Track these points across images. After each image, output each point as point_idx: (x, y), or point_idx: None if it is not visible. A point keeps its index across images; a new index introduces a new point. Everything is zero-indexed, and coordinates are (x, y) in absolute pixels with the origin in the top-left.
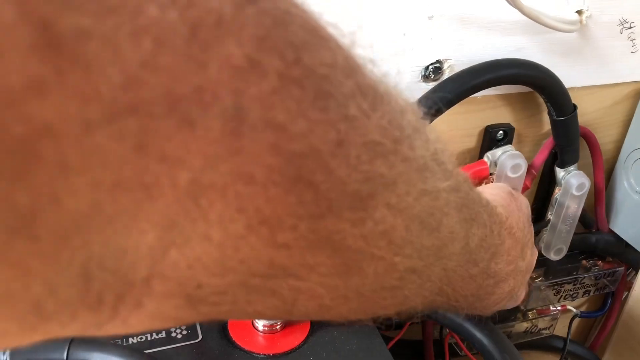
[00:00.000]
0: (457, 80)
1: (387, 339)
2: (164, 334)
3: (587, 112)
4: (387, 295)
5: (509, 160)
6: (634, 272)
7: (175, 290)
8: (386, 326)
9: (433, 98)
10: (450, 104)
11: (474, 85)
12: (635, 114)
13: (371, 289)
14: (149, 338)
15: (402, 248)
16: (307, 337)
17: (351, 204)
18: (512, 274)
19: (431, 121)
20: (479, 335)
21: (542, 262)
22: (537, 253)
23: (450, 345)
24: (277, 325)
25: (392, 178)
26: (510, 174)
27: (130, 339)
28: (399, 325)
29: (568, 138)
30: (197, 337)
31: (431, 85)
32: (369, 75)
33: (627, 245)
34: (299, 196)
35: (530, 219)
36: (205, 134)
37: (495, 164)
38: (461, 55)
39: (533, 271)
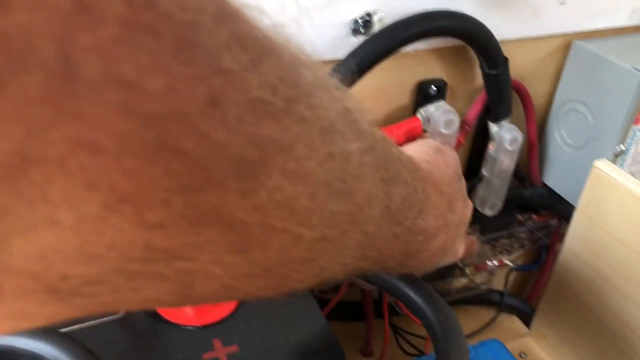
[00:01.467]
0: (387, 33)
1: (325, 302)
2: None
3: (519, 65)
4: (299, 268)
5: (441, 116)
6: (566, 224)
7: (31, 285)
8: (322, 290)
9: (362, 52)
10: (381, 58)
11: (405, 38)
12: (565, 66)
13: (278, 264)
14: None
15: (308, 218)
16: (238, 306)
17: (237, 173)
18: (442, 228)
19: (360, 77)
20: (412, 294)
21: (478, 218)
22: (471, 205)
23: (390, 304)
24: None
25: (287, 142)
26: (443, 130)
27: None
28: (337, 287)
29: (500, 91)
30: (119, 312)
31: (361, 39)
32: (251, 24)
33: (560, 197)
34: (166, 167)
35: (459, 172)
36: (21, 93)
37: (429, 121)
38: (392, 8)
39: (469, 228)
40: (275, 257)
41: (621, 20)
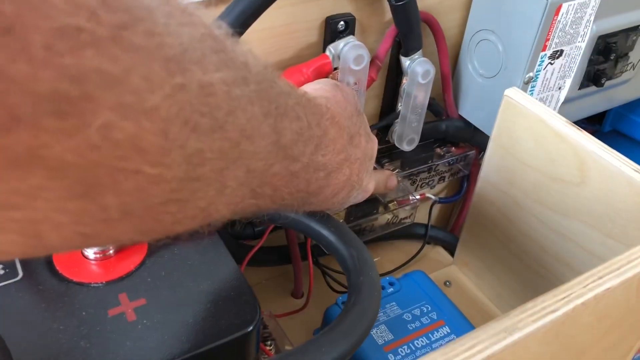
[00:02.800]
0: None
1: (249, 248)
2: None
3: None
4: (169, 211)
5: (350, 51)
6: (483, 154)
7: None
8: (245, 237)
9: None
10: None
11: None
12: None
13: (142, 207)
14: None
15: (163, 156)
16: (145, 258)
17: (53, 110)
18: (344, 163)
19: (258, 13)
20: (323, 231)
21: (398, 154)
22: (375, 141)
23: (315, 246)
24: (109, 250)
25: (117, 74)
26: (353, 67)
27: None
28: (260, 233)
29: (409, 24)
30: (17, 275)
31: None
32: None
33: (476, 129)
34: None
35: (359, 108)
36: None
37: (339, 57)
38: None
39: (390, 163)
40: (134, 201)
41: None
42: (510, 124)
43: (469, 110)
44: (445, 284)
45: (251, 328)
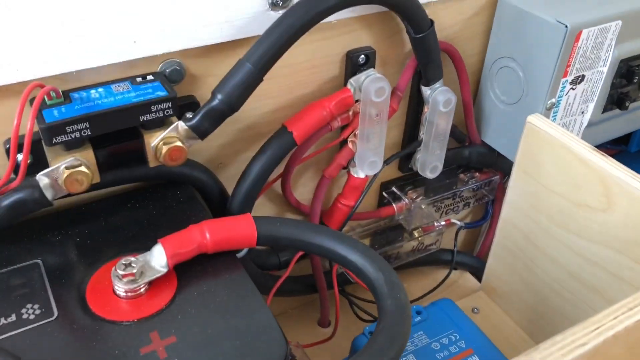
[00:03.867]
0: (306, 4)
1: (275, 278)
2: (13, 317)
3: (447, 27)
4: None
5: (371, 84)
6: (508, 179)
7: None
8: (271, 266)
9: (282, 26)
10: (301, 31)
11: (325, 9)
12: (493, 24)
13: None
14: None
15: None
16: (175, 295)
17: None
18: None
19: (282, 53)
20: (351, 257)
21: (421, 181)
22: None
23: (341, 274)
24: (140, 289)
25: None
26: (374, 99)
27: None
28: (287, 264)
29: (429, 55)
30: (53, 315)
31: (280, 13)
32: None
33: (499, 154)
34: None
35: None
36: None
37: (360, 90)
38: None
39: (413, 191)
40: None
41: None
42: (534, 150)
43: (492, 136)
44: (473, 310)
45: None
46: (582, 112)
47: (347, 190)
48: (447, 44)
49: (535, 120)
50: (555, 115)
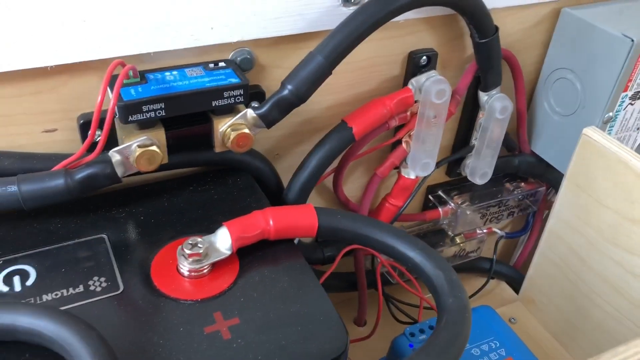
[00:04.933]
0: (380, 1)
1: (319, 274)
2: (81, 288)
3: (509, 34)
4: None
5: (433, 86)
6: (554, 191)
7: None
8: (315, 260)
9: (353, 23)
10: (372, 28)
11: (398, 7)
12: (554, 34)
13: None
14: (64, 294)
15: None
16: (237, 278)
17: None
18: None
19: (352, 48)
20: (411, 253)
21: (468, 187)
22: None
23: (382, 274)
24: (204, 269)
25: None
26: (434, 100)
27: (44, 296)
28: (331, 259)
29: (490, 61)
30: (118, 289)
31: (352, 9)
32: None
33: (548, 165)
34: None
35: None
36: None
37: (420, 91)
38: None
39: (459, 196)
40: None
41: None
42: (588, 163)
43: (543, 146)
44: (510, 320)
45: (341, 354)
46: (638, 128)
47: (397, 190)
48: (507, 52)
49: (592, 132)
50: (611, 130)
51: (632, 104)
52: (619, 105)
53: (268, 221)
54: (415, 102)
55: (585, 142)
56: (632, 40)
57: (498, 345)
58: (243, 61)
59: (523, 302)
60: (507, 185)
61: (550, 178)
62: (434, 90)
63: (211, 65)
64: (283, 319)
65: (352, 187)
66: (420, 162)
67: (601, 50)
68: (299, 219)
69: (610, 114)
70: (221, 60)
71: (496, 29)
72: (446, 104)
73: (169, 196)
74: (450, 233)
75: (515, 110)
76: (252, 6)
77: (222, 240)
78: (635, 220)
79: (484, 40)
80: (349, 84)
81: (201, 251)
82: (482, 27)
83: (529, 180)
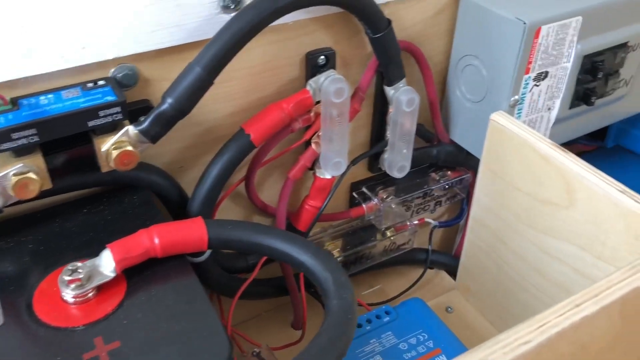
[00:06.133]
0: (255, 6)
1: (243, 281)
2: None
3: (409, 26)
4: None
5: (330, 85)
6: None
7: None
8: (239, 269)
9: (230, 30)
10: (251, 34)
11: (274, 11)
12: (457, 22)
13: None
14: None
15: None
16: (123, 300)
17: None
18: None
19: (233, 55)
20: (302, 257)
21: (392, 181)
22: None
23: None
24: (88, 294)
25: None
26: (334, 99)
27: None
28: (254, 266)
29: (388, 55)
30: None
31: (233, 15)
32: None
33: (468, 152)
34: None
35: None
36: None
37: (320, 91)
38: None
39: (384, 190)
40: None
41: None
42: (498, 148)
43: (460, 134)
44: (447, 309)
45: None
46: (549, 109)
47: (314, 191)
48: (408, 44)
49: (499, 117)
50: (520, 112)
51: (537, 85)
52: (524, 88)
53: (153, 239)
54: (317, 102)
55: (494, 127)
56: (524, 23)
57: (427, 337)
58: (125, 77)
59: (460, 290)
60: (433, 175)
61: (472, 165)
62: (332, 89)
63: (90, 84)
64: (167, 338)
65: (271, 192)
66: (332, 162)
67: (499, 35)
68: (186, 234)
69: (516, 97)
70: (101, 79)
71: (389, 22)
72: (347, 103)
73: (61, 221)
74: (379, 228)
75: (427, 101)
76: (124, 22)
77: (106, 263)
78: (546, 201)
79: (377, 35)
80: (248, 90)
81: (81, 276)
82: (373, 22)
83: (457, 168)
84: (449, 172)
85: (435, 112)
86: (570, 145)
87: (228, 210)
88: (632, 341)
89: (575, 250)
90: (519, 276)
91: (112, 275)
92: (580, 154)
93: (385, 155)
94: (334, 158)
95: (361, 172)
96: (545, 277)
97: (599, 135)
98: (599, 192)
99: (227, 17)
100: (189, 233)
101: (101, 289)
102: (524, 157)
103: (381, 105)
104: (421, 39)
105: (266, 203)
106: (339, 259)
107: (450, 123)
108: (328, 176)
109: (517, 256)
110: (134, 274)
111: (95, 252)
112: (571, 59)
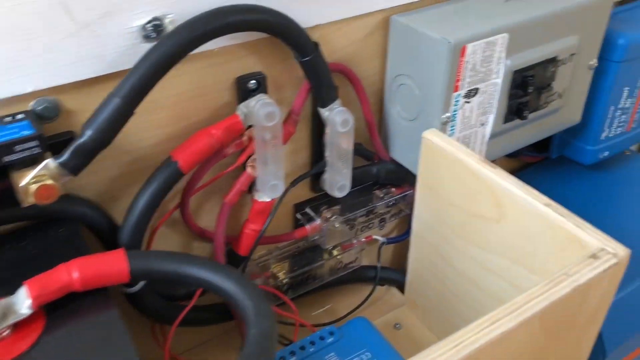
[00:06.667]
0: (172, 36)
1: (183, 309)
2: None
3: (340, 48)
4: None
5: (261, 110)
6: None
7: None
8: (181, 297)
9: (149, 60)
10: (170, 63)
11: (194, 39)
12: (389, 42)
13: None
14: None
15: None
16: (40, 337)
17: None
18: None
19: (155, 82)
20: (225, 286)
21: (336, 200)
22: None
23: None
24: (3, 332)
25: None
26: (265, 123)
27: None
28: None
29: (319, 77)
30: None
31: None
32: None
33: (409, 170)
34: None
35: None
36: None
37: (251, 116)
38: (184, 8)
39: (328, 210)
40: None
41: None
42: (432, 165)
43: (399, 152)
44: (395, 326)
45: None
46: (483, 124)
47: (253, 214)
48: (340, 65)
49: (430, 135)
50: (454, 129)
51: (468, 102)
52: (455, 105)
53: (72, 273)
54: (250, 127)
55: (426, 145)
56: (449, 42)
57: (370, 356)
58: (45, 110)
59: (408, 306)
60: (377, 192)
61: (413, 181)
62: (263, 113)
63: (7, 119)
64: None
65: (210, 217)
66: (269, 185)
67: (427, 54)
68: (107, 267)
69: (448, 114)
70: (19, 113)
71: (316, 45)
72: (279, 126)
73: None
74: (324, 247)
75: (364, 121)
76: (42, 54)
77: (22, 300)
78: (479, 216)
79: (305, 59)
80: (177, 117)
81: None
82: (299, 46)
83: (401, 184)
84: (393, 189)
85: (372, 131)
86: (516, 157)
87: (166, 237)
88: (558, 355)
89: (509, 264)
90: (460, 291)
91: (28, 312)
92: (526, 166)
93: (325, 176)
94: (270, 181)
95: (304, 192)
96: (484, 291)
97: (544, 146)
98: (525, 206)
99: (148, 47)
100: (110, 266)
101: (18, 326)
102: (456, 173)
103: (318, 127)
104: (354, 60)
105: (204, 229)
106: (284, 280)
107: (389, 141)
108: (266, 199)
109: (457, 271)
110: (54, 310)
111: (15, 290)
112: (501, 75)
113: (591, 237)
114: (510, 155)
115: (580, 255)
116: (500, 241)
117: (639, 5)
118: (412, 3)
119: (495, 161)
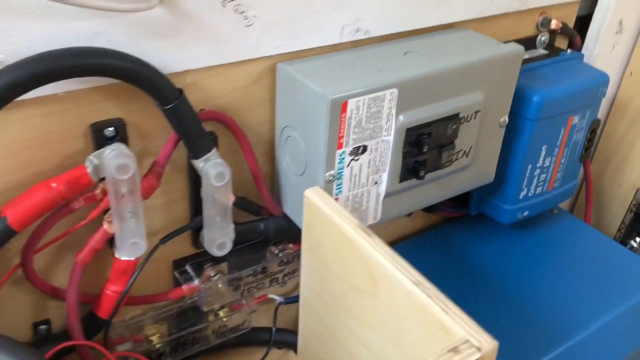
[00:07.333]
0: None
1: None
2: None
3: (219, 95)
4: None
5: (112, 161)
6: None
7: None
8: None
9: None
10: None
11: (17, 85)
12: (277, 91)
13: None
14: None
15: None
16: None
17: None
18: None
19: None
20: None
21: (224, 256)
22: None
23: None
24: None
25: None
26: (117, 176)
27: None
28: None
29: (185, 127)
30: None
31: None
32: None
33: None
34: None
35: None
36: None
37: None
38: (14, 49)
39: (213, 268)
40: None
41: (332, 37)
42: (314, 227)
43: (291, 208)
44: None
45: None
46: (376, 183)
47: (114, 274)
48: (216, 113)
49: (311, 194)
50: (341, 187)
51: (356, 160)
52: (340, 163)
53: None
54: (101, 180)
55: (308, 204)
56: (327, 97)
57: None
58: None
59: None
60: (272, 248)
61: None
62: (113, 165)
63: None
64: None
65: (66, 275)
66: (128, 243)
67: (310, 107)
68: None
69: (332, 172)
70: None
71: (180, 92)
72: (135, 179)
73: None
74: (205, 309)
75: (250, 173)
76: None
77: None
78: (355, 288)
79: (168, 107)
80: (20, 166)
81: None
82: (160, 93)
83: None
84: (290, 245)
85: (259, 184)
86: (435, 213)
87: (12, 297)
88: None
89: (383, 343)
90: None
91: None
92: (446, 221)
93: (204, 232)
94: (129, 238)
95: (185, 248)
96: None
97: (465, 201)
98: (395, 282)
99: None
100: None
101: None
102: (334, 239)
103: (195, 178)
104: (238, 107)
105: (59, 287)
106: (158, 345)
107: (281, 195)
108: (127, 258)
109: (340, 344)
110: None
111: None
112: (392, 132)
113: (457, 325)
114: (429, 210)
115: (446, 345)
116: (375, 317)
117: (555, 61)
118: (304, 50)
119: (412, 215)
